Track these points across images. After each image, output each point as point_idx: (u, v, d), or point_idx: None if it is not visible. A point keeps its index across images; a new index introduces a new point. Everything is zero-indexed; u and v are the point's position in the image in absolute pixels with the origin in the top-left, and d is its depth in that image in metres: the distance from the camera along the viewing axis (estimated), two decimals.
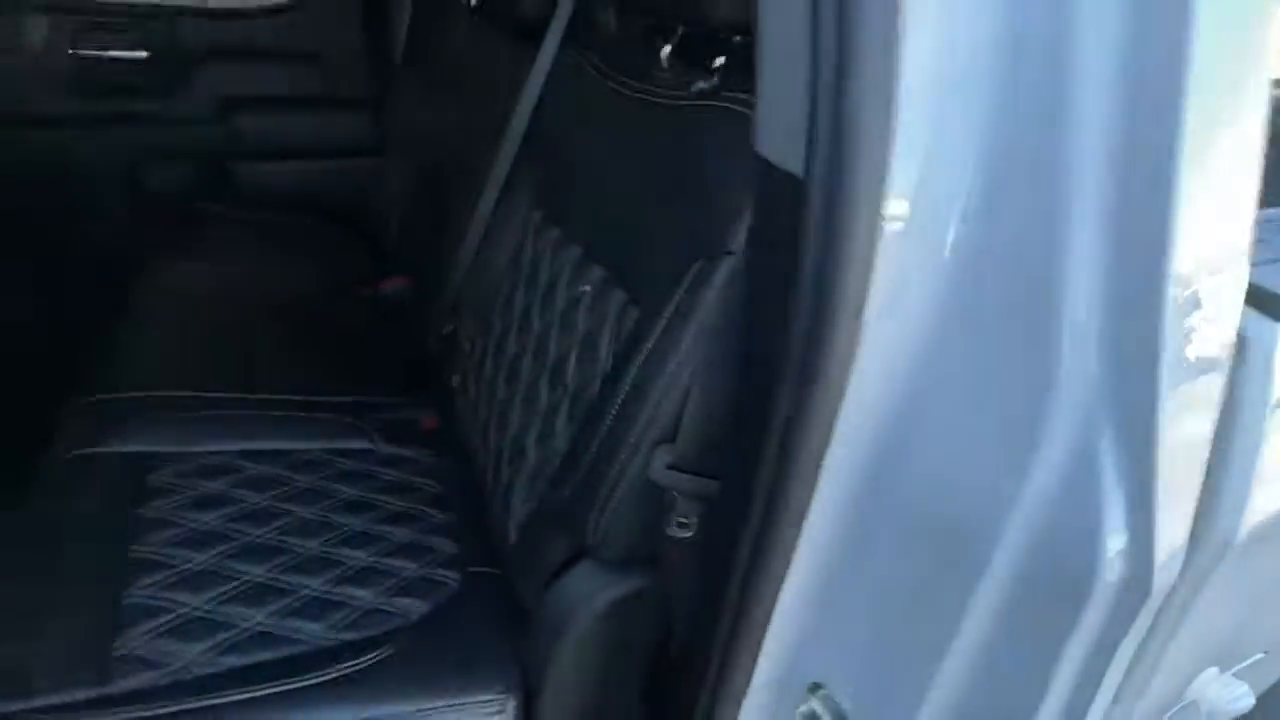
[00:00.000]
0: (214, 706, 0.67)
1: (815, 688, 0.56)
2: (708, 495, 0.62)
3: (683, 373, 0.64)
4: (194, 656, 0.72)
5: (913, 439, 0.48)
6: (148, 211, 1.99)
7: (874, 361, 0.45)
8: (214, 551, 0.84)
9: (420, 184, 1.55)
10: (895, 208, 0.42)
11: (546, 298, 0.90)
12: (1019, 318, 0.44)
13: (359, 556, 0.89)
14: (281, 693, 0.69)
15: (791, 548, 0.50)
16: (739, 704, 0.57)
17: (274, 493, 0.96)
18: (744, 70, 0.71)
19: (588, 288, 0.81)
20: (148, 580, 0.79)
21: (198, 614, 0.77)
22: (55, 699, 0.65)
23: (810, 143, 0.43)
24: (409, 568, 0.89)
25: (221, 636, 0.75)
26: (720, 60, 0.73)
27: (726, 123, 0.68)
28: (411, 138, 1.72)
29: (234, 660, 0.73)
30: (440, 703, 0.73)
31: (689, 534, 0.64)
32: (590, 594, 0.71)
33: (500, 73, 1.22)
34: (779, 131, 0.47)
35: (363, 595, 0.84)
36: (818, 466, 0.47)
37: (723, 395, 0.60)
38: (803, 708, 0.58)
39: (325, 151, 2.08)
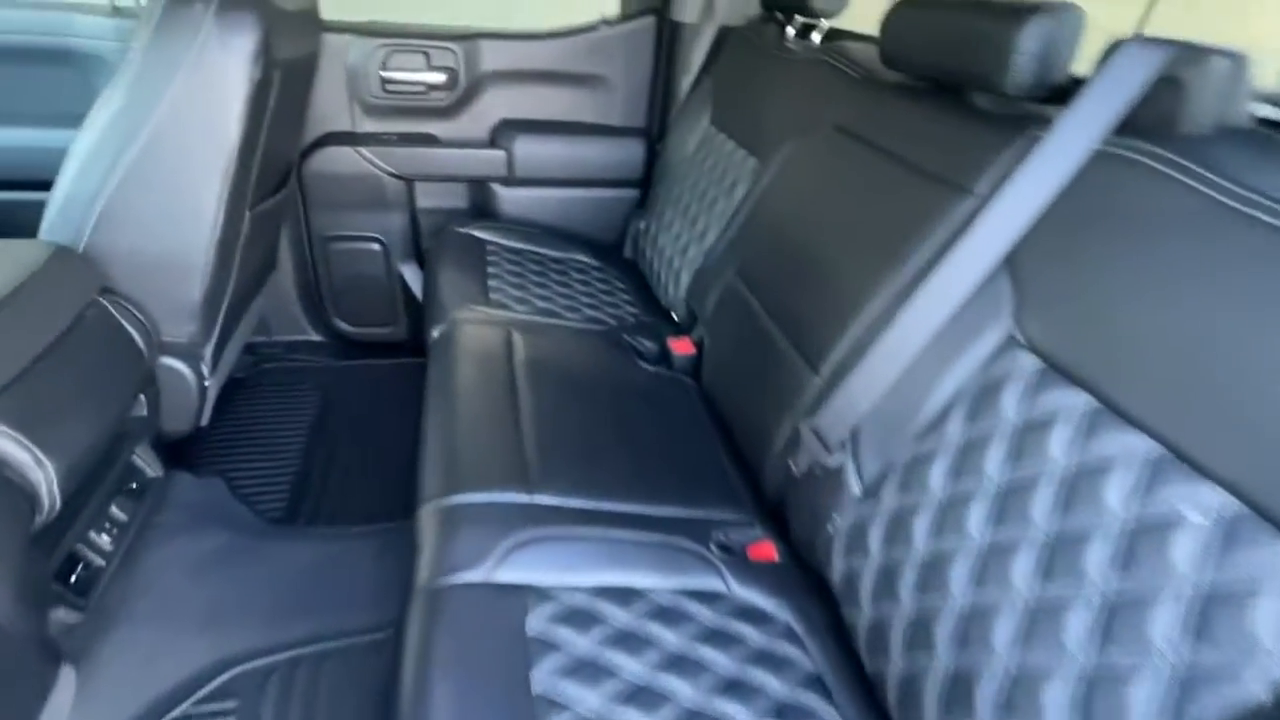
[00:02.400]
0: None
1: None
2: None
3: None
4: None
5: None
6: (426, 234, 1.98)
7: None
8: None
9: (745, 246, 1.36)
10: None
11: (1081, 481, 0.65)
12: None
13: None
14: None
15: None
16: None
17: (646, 659, 0.81)
18: None
19: (1199, 516, 0.57)
20: None
21: None
22: None
23: None
24: None
25: None
26: None
27: None
28: (717, 188, 1.55)
29: None
30: None
31: None
32: None
33: (959, 152, 0.98)
34: None
35: None
36: None
37: None
38: None
39: (592, 180, 1.98)
